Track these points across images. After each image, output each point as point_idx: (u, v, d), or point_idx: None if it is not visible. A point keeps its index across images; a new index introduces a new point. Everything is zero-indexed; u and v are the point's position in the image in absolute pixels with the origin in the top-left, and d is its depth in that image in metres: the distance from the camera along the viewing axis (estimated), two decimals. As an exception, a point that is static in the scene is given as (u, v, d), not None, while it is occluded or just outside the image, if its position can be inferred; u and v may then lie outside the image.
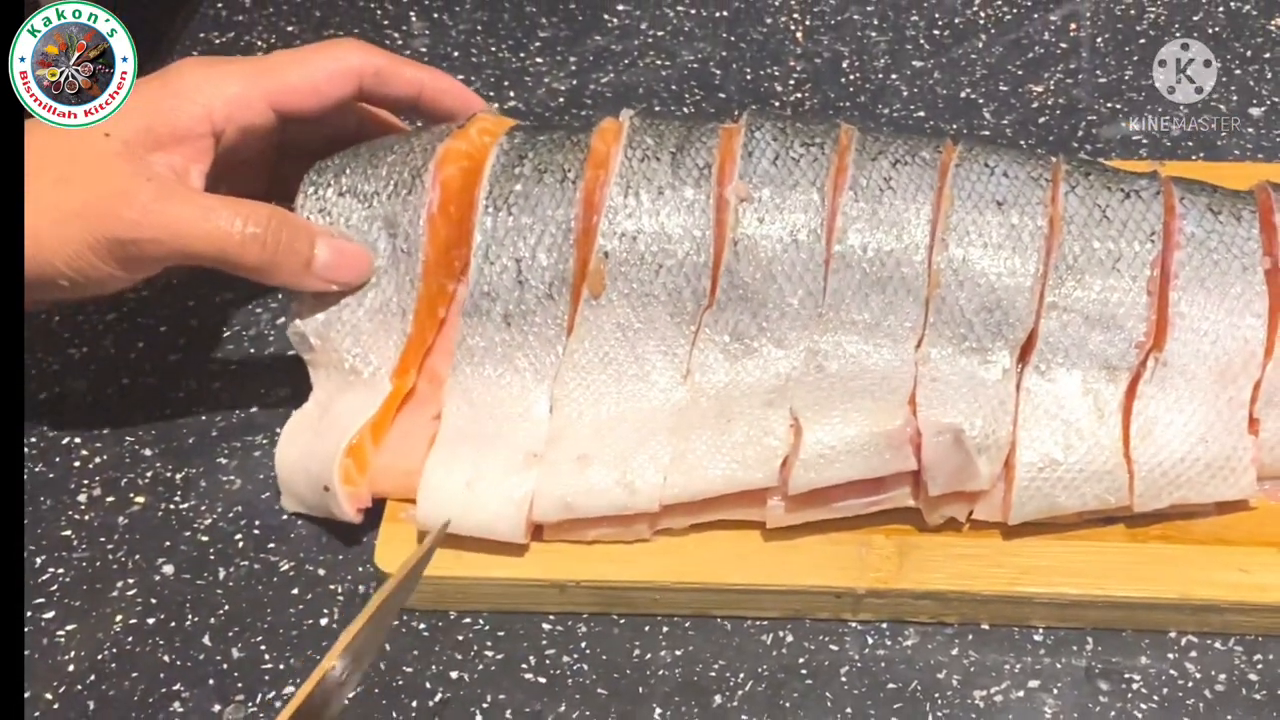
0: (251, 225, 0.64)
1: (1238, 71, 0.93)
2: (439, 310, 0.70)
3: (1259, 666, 0.64)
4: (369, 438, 0.67)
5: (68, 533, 0.70)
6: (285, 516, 0.70)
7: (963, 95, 0.93)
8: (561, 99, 0.93)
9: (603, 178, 0.70)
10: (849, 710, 0.63)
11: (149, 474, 0.73)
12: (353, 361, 0.69)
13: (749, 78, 0.95)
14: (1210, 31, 0.96)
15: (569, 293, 0.69)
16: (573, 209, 0.69)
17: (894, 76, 0.94)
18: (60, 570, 0.69)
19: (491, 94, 0.94)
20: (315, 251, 0.67)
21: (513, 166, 0.70)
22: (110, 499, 0.72)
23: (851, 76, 0.94)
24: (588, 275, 0.68)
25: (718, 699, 0.63)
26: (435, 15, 1.00)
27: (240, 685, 0.64)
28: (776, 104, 0.92)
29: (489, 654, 0.65)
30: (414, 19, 1.00)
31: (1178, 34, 0.96)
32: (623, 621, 0.66)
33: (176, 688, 0.64)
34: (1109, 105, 0.92)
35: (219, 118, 0.67)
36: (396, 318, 0.69)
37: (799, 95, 0.93)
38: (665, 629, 0.66)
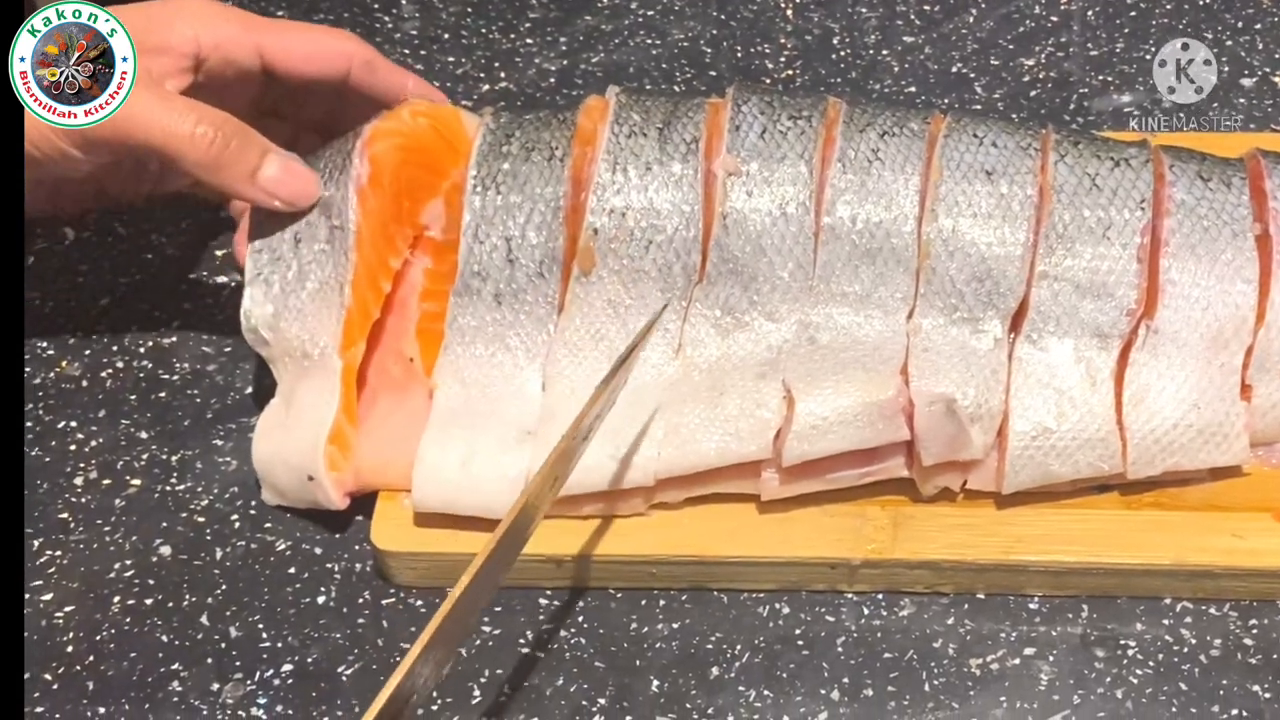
0: (204, 125, 0.66)
1: (1229, 43, 0.93)
2: (381, 283, 0.69)
3: (1254, 631, 0.64)
4: (344, 420, 0.67)
5: (65, 515, 0.70)
6: (281, 497, 0.71)
7: (954, 70, 0.93)
8: (552, 79, 0.93)
9: (590, 154, 0.70)
10: (845, 680, 0.63)
11: (145, 456, 0.73)
12: (304, 346, 0.68)
13: (739, 55, 0.94)
14: (1202, 3, 0.96)
15: (559, 270, 0.69)
16: (561, 186, 0.69)
17: (885, 52, 0.94)
18: (58, 553, 0.69)
19: (482, 75, 0.93)
20: (264, 163, 0.68)
21: (500, 145, 0.70)
22: (106, 482, 0.72)
23: (842, 53, 0.94)
24: (577, 252, 0.68)
25: (715, 671, 0.64)
26: (425, -2, 1.00)
27: (239, 664, 0.65)
28: (767, 81, 0.92)
29: (486, 629, 0.65)
30: (404, 1, 1.00)
31: (1168, 5, 0.96)
32: (619, 595, 0.66)
33: (175, 667, 0.64)
34: (1100, 78, 0.91)
35: (206, 45, 0.69)
36: (335, 293, 0.68)
37: (790, 72, 0.93)
38: (662, 602, 0.66)
